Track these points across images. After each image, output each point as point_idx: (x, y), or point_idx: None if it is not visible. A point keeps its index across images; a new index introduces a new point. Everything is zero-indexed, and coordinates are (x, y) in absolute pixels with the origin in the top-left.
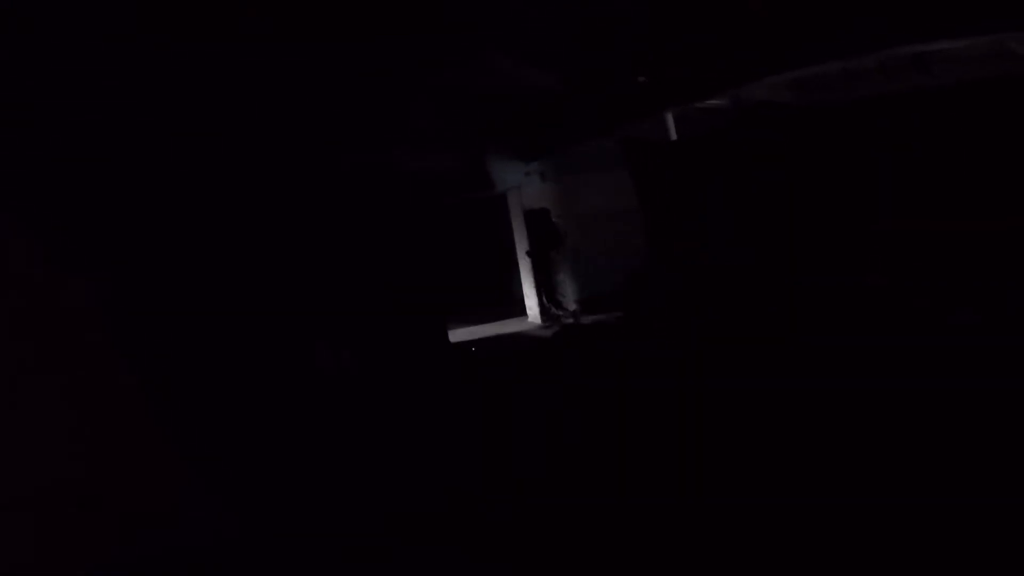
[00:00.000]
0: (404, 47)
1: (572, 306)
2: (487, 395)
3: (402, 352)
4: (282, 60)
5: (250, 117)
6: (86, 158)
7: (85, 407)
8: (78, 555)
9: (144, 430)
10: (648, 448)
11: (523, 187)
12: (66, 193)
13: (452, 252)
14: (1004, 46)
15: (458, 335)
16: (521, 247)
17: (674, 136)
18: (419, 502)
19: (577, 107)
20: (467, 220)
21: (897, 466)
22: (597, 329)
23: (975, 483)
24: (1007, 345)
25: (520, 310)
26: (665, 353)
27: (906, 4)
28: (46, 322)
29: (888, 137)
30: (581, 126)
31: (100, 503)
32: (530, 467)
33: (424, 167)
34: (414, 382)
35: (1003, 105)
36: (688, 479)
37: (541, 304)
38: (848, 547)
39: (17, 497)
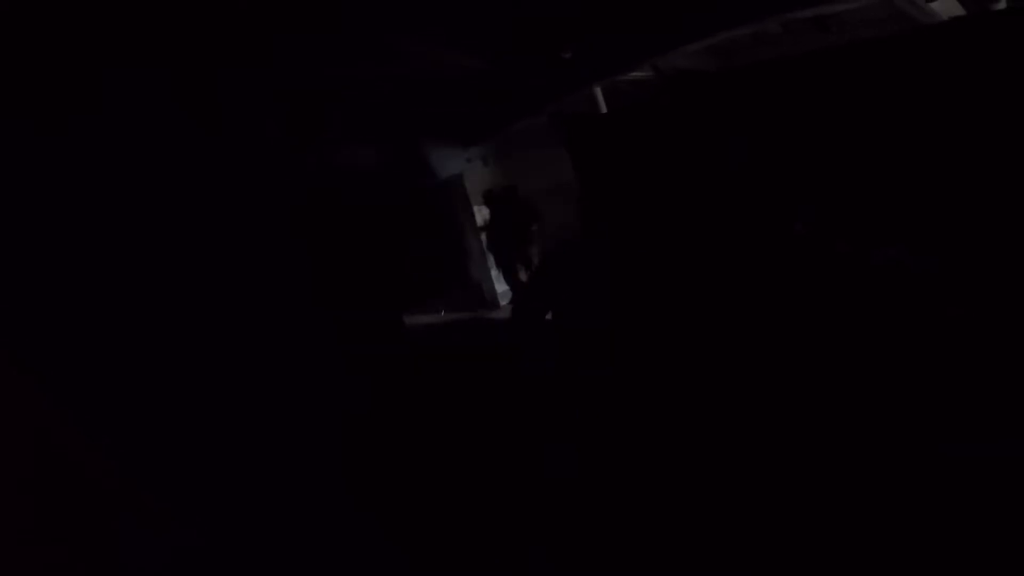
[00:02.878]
0: (329, 41)
1: None
2: (465, 387)
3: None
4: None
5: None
6: None
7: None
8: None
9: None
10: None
11: (466, 173)
12: None
13: (397, 243)
14: (893, 7)
15: (416, 324)
16: (470, 233)
17: (604, 109)
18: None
19: (506, 88)
20: (410, 210)
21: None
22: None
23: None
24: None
25: (476, 295)
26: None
27: None
28: None
29: (794, 91)
30: (513, 107)
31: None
32: (512, 464)
33: (357, 160)
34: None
35: (890, 59)
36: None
37: (513, 280)
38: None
39: None
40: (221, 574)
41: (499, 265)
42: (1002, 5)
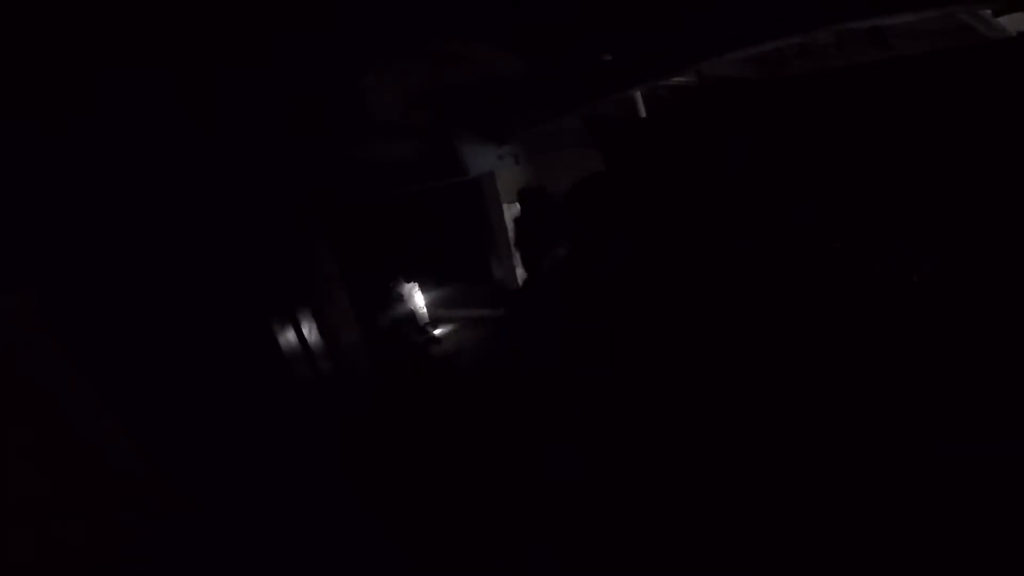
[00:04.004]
0: (364, 36)
1: None
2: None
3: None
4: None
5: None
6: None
7: (51, 420)
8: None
9: (117, 438)
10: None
11: (498, 170)
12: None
13: (428, 238)
14: (955, 19)
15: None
16: (498, 230)
17: (643, 114)
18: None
19: (544, 88)
20: (442, 206)
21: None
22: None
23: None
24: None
25: (498, 293)
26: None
27: None
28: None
29: (846, 106)
30: (549, 107)
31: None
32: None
33: (392, 156)
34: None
35: (953, 74)
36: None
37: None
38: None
39: None
40: (222, 572)
41: (524, 263)
42: None
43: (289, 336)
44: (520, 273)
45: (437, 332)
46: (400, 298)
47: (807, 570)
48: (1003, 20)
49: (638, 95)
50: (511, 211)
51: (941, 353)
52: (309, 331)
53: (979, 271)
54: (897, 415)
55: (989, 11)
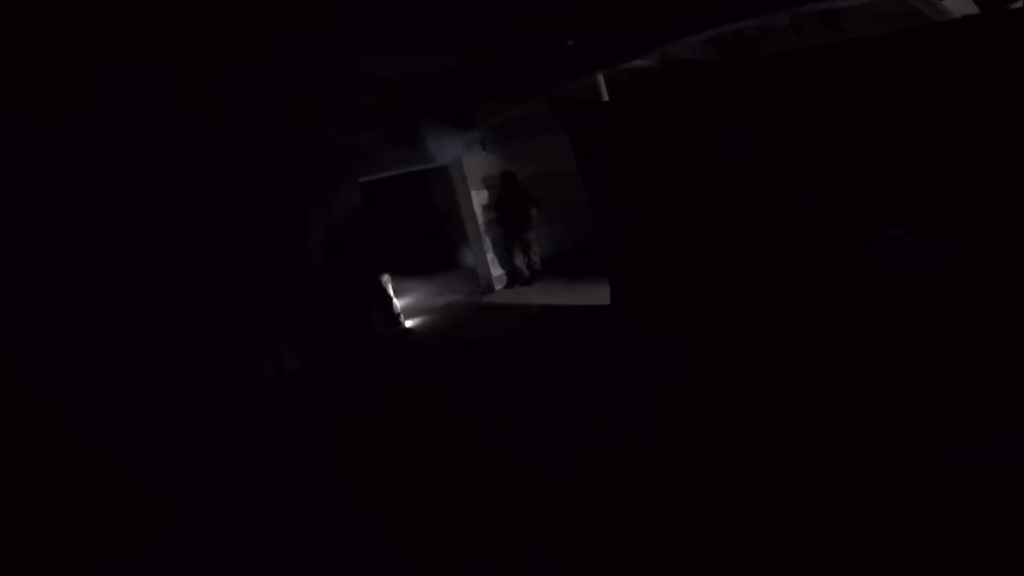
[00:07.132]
0: (329, 25)
1: (538, 266)
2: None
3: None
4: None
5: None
6: None
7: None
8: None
9: (95, 448)
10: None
11: (464, 157)
12: None
13: (394, 226)
14: (906, 4)
15: (412, 306)
16: (467, 216)
17: (605, 97)
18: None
19: (510, 75)
20: (409, 193)
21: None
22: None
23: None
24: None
25: (471, 279)
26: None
27: None
28: None
29: (802, 87)
30: (515, 93)
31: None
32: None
33: (358, 144)
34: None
35: (902, 55)
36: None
37: (511, 265)
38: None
39: None
40: (221, 573)
41: (496, 250)
42: (1019, 5)
43: (283, 335)
44: (491, 259)
45: (409, 324)
46: (372, 289)
47: (807, 570)
48: (948, 4)
49: (600, 78)
50: (479, 197)
51: (940, 350)
52: (303, 329)
53: (955, 242)
54: (896, 414)
55: None
